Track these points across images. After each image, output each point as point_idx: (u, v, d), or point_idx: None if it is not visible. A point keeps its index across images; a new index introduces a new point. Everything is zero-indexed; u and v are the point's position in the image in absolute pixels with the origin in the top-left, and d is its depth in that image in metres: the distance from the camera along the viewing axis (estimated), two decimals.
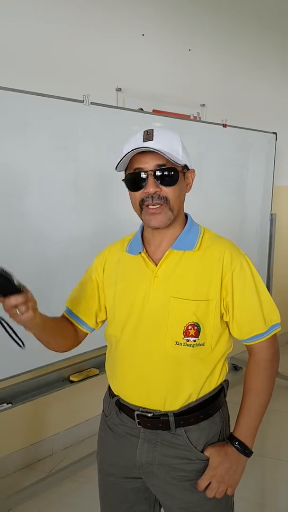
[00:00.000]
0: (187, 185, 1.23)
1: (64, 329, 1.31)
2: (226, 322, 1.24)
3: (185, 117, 3.15)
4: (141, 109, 2.89)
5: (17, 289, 1.01)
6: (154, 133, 1.15)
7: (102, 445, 1.37)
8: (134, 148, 1.14)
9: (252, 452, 1.25)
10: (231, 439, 1.25)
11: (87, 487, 2.38)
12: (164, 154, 1.13)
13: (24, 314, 1.03)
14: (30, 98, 1.98)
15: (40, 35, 2.37)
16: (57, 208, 2.12)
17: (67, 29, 2.48)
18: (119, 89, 2.76)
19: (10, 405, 2.05)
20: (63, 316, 1.35)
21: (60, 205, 2.13)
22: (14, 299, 1.00)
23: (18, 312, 1.02)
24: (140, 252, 1.24)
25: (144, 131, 1.16)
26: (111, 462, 1.33)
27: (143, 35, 2.88)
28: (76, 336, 1.34)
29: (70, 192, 2.18)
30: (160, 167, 1.15)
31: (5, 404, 2.04)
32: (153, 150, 1.13)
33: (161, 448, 1.24)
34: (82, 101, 2.15)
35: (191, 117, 3.19)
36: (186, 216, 1.28)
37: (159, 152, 1.13)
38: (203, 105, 3.32)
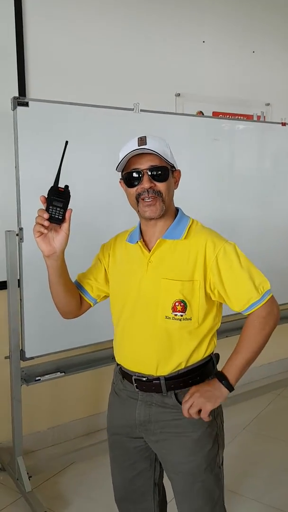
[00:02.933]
0: (175, 183, 1.43)
1: (73, 291, 1.52)
2: (215, 301, 1.42)
3: (249, 118, 3.26)
4: (201, 112, 3.08)
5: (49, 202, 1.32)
6: (147, 139, 1.36)
7: (110, 408, 1.60)
8: (132, 150, 1.35)
9: (233, 389, 1.37)
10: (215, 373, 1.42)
11: None
12: (159, 153, 1.34)
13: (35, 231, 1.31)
14: (87, 109, 2.28)
15: (100, 47, 2.67)
16: (110, 206, 2.40)
17: (127, 40, 2.76)
18: (178, 95, 2.96)
19: (63, 374, 2.38)
20: None
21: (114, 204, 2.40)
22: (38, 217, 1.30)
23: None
24: (137, 241, 1.45)
25: (138, 138, 1.37)
26: (117, 423, 1.55)
27: (203, 41, 3.05)
28: (79, 304, 1.55)
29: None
30: (153, 166, 1.37)
31: (58, 373, 2.37)
32: (151, 151, 1.34)
33: (155, 408, 1.45)
34: (132, 109, 2.40)
35: (255, 117, 3.29)
36: (177, 209, 1.47)
37: (154, 152, 1.34)
38: (268, 104, 3.39)
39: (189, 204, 2.81)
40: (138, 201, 1.39)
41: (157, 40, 2.87)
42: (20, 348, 2.27)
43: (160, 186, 1.37)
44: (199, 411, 1.34)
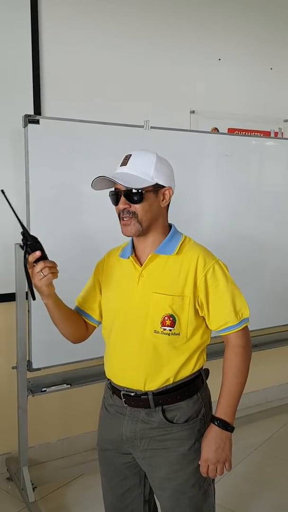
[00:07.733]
0: (162, 200, 1.42)
1: (74, 318, 1.56)
2: (203, 317, 1.42)
3: (266, 134, 3.26)
4: (216, 129, 3.10)
5: (45, 256, 1.36)
6: (130, 159, 1.39)
7: (100, 423, 1.60)
8: (98, 176, 1.38)
9: (234, 428, 1.41)
10: (213, 419, 1.42)
11: None
12: (122, 184, 1.35)
13: (46, 276, 1.33)
14: (98, 126, 2.33)
15: (115, 65, 2.74)
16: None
17: (142, 58, 2.82)
18: (192, 112, 2.99)
19: (69, 386, 2.41)
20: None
21: None
22: (48, 262, 1.34)
23: (41, 273, 1.34)
24: (129, 256, 1.47)
25: (125, 156, 1.40)
26: (106, 438, 1.55)
27: (219, 59, 3.08)
28: (85, 328, 1.59)
29: None
30: (127, 190, 1.37)
31: (65, 385, 2.40)
32: (115, 181, 1.35)
33: (141, 424, 1.45)
34: (142, 126, 2.44)
35: (272, 134, 3.28)
36: (170, 226, 1.49)
37: (116, 182, 1.35)
38: (286, 120, 3.38)
39: (206, 218, 2.80)
40: (119, 219, 1.43)
41: (172, 58, 2.92)
42: (27, 359, 2.32)
43: (136, 207, 1.38)
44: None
